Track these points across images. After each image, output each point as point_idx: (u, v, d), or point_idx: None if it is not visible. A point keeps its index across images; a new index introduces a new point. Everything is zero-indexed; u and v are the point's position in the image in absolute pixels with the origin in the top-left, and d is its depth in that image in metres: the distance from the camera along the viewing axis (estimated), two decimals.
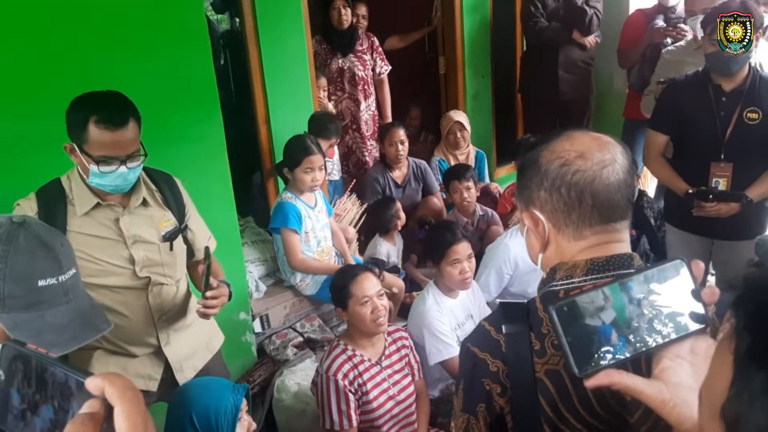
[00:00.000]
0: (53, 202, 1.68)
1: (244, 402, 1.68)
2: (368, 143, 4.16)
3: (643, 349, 0.60)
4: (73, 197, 1.69)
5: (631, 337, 0.60)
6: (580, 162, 0.90)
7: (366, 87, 4.06)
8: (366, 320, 2.15)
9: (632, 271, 0.88)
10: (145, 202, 1.79)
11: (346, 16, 3.89)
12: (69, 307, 1.20)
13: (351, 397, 2.13)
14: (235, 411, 1.61)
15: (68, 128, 1.62)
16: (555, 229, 0.94)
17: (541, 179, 0.93)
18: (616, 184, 0.90)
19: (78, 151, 1.61)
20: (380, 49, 4.14)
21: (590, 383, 0.60)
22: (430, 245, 2.60)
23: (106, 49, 2.26)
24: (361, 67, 4.01)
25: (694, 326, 0.60)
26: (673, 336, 0.60)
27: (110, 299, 1.75)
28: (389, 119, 4.26)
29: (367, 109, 4.10)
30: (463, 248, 2.49)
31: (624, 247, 0.93)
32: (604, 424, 0.87)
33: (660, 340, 0.60)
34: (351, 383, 2.14)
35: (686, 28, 3.54)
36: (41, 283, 1.16)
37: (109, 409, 0.53)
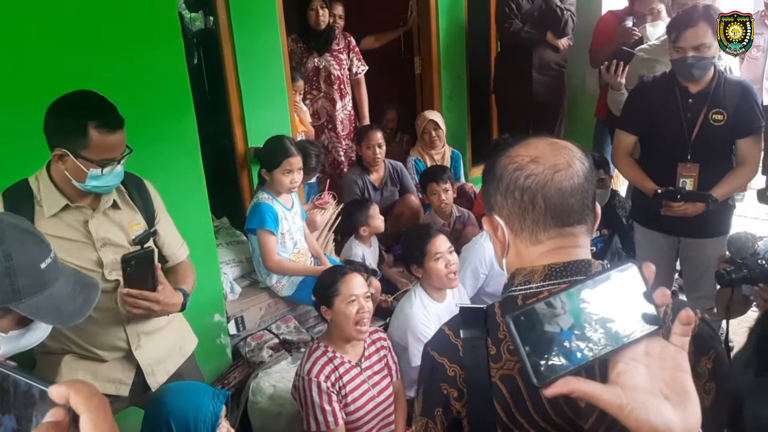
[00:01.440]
0: (20, 203, 1.65)
1: (223, 408, 1.67)
2: (344, 143, 4.16)
3: (600, 354, 0.60)
4: (41, 198, 1.67)
5: (587, 342, 0.60)
6: (533, 166, 0.91)
7: (342, 86, 4.06)
8: (350, 319, 2.14)
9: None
10: (115, 204, 1.77)
11: (324, 16, 3.88)
12: (64, 277, 1.32)
13: (334, 396, 2.12)
14: (214, 418, 1.59)
15: (58, 135, 1.60)
16: (513, 234, 0.94)
17: (497, 184, 0.94)
18: (570, 188, 0.90)
19: (72, 157, 1.59)
20: (357, 48, 4.14)
21: (549, 392, 0.60)
22: (408, 250, 2.58)
23: (76, 49, 2.23)
24: (337, 67, 4.00)
25: (648, 328, 0.60)
26: (628, 339, 0.60)
27: None
28: (366, 119, 4.27)
29: (342, 109, 4.10)
30: (442, 242, 2.49)
31: (582, 252, 0.93)
32: (558, 429, 0.88)
33: (615, 344, 0.60)
34: (333, 385, 2.13)
35: None
36: (43, 266, 1.26)
37: (74, 418, 0.52)
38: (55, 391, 0.52)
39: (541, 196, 0.90)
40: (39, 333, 1.34)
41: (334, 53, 4.01)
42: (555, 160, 0.91)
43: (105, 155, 1.61)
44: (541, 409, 0.88)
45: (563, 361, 0.60)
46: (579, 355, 0.60)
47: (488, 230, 0.99)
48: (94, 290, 1.40)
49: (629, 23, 3.72)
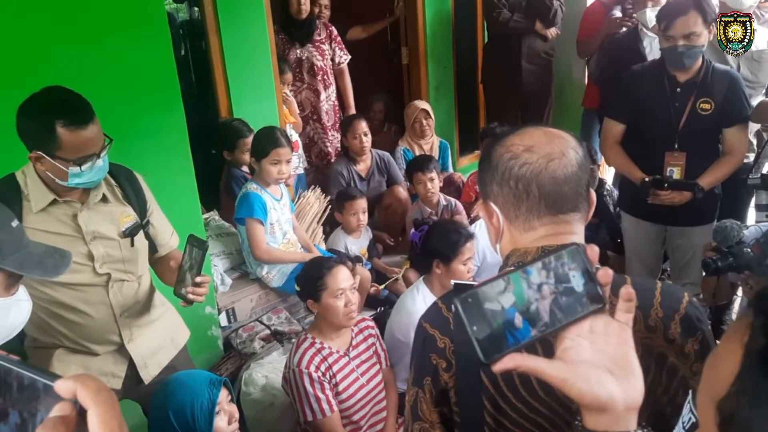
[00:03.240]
0: (7, 199, 1.63)
1: (225, 393, 1.67)
2: (329, 134, 4.14)
3: (545, 331, 0.63)
4: (28, 193, 1.65)
5: (532, 321, 0.63)
6: (527, 155, 0.92)
7: (325, 77, 4.03)
8: (339, 313, 2.15)
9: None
10: (104, 198, 1.76)
11: (305, 5, 3.83)
12: (31, 241, 1.39)
13: (326, 385, 2.12)
14: (211, 406, 1.59)
15: (30, 138, 1.57)
16: (507, 221, 0.96)
17: (493, 173, 0.96)
18: (564, 176, 0.91)
19: (47, 158, 1.57)
20: (339, 38, 4.11)
21: (496, 368, 0.62)
22: (437, 246, 2.49)
23: (63, 41, 2.21)
24: (319, 57, 3.97)
25: (592, 306, 0.64)
26: (573, 317, 0.63)
27: (70, 297, 1.72)
28: (352, 109, 4.25)
29: (327, 100, 4.08)
30: (473, 245, 2.49)
31: (576, 239, 0.95)
32: (545, 405, 0.90)
33: (560, 322, 0.63)
34: (323, 375, 2.14)
35: None
36: (13, 224, 1.36)
37: (80, 413, 0.52)
38: (61, 386, 0.52)
39: (536, 184, 0.91)
40: (23, 309, 1.37)
41: (316, 44, 3.97)
42: (549, 149, 0.92)
43: (80, 153, 1.57)
44: (528, 384, 0.90)
45: (509, 339, 0.62)
46: (524, 333, 0.63)
47: (483, 216, 1.01)
48: (66, 252, 1.45)
49: (617, 13, 3.72)
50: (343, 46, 4.14)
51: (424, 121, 4.15)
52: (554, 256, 0.65)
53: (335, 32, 4.09)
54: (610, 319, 0.64)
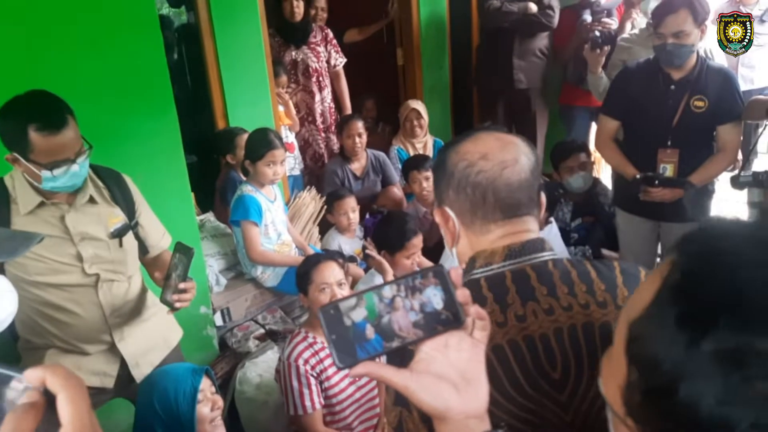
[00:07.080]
0: None
1: (208, 382, 1.72)
2: (323, 136, 4.15)
3: (401, 344, 0.67)
4: (16, 196, 1.67)
5: (386, 334, 0.68)
6: (483, 163, 0.95)
7: (320, 79, 4.04)
8: None
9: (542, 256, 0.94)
10: (92, 200, 1.77)
11: (299, 8, 3.85)
12: None
13: (313, 381, 2.14)
14: (193, 392, 1.64)
15: (6, 140, 1.58)
16: (464, 226, 0.99)
17: (449, 180, 0.98)
18: (518, 182, 0.95)
19: (23, 160, 1.58)
20: (335, 41, 4.13)
21: (351, 373, 0.68)
22: (386, 235, 2.62)
23: (54, 44, 2.21)
24: (314, 59, 3.98)
25: (450, 324, 0.67)
26: (431, 333, 0.67)
27: (59, 297, 1.74)
28: (349, 110, 4.27)
29: (321, 102, 4.09)
30: (420, 241, 2.57)
31: (533, 236, 0.98)
32: (534, 402, 0.89)
33: (417, 337, 0.67)
34: (312, 368, 2.16)
35: (611, 21, 3.67)
36: None
37: (49, 401, 0.54)
38: (30, 374, 0.54)
39: (491, 191, 0.95)
40: (6, 300, 1.35)
41: (312, 46, 3.99)
42: (503, 156, 0.96)
43: (52, 158, 1.56)
44: (516, 382, 0.89)
45: (364, 349, 0.68)
46: (375, 345, 0.68)
47: (439, 222, 1.03)
48: (33, 234, 1.40)
49: (587, 18, 3.73)
50: (339, 48, 4.15)
51: (415, 121, 4.16)
52: (415, 276, 0.69)
53: (331, 35, 4.11)
54: (465, 336, 0.68)
